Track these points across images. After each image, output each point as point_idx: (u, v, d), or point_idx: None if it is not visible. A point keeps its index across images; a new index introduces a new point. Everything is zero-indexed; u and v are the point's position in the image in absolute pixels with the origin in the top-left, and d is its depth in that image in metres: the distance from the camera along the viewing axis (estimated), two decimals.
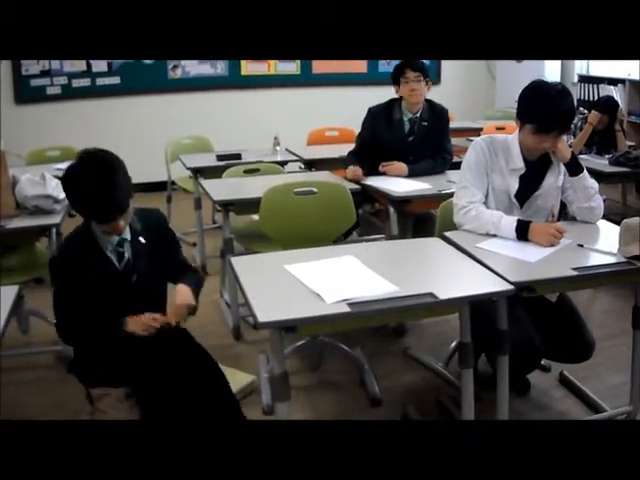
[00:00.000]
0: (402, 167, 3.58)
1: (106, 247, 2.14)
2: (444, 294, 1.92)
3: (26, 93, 6.04)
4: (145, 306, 2.15)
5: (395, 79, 3.63)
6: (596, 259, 2.22)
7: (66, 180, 2.03)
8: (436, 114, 3.71)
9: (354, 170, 3.52)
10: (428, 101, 3.72)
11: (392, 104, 3.69)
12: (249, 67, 6.76)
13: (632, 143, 4.74)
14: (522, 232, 2.35)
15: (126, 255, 2.16)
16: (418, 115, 3.66)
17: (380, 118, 3.67)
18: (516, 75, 6.50)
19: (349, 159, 3.66)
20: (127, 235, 2.17)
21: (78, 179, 1.99)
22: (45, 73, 6.09)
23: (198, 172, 4.17)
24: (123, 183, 2.01)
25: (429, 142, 3.65)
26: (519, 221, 2.39)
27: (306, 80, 6.95)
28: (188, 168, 4.22)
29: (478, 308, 2.15)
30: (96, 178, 1.95)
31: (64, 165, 4.18)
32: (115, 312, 2.10)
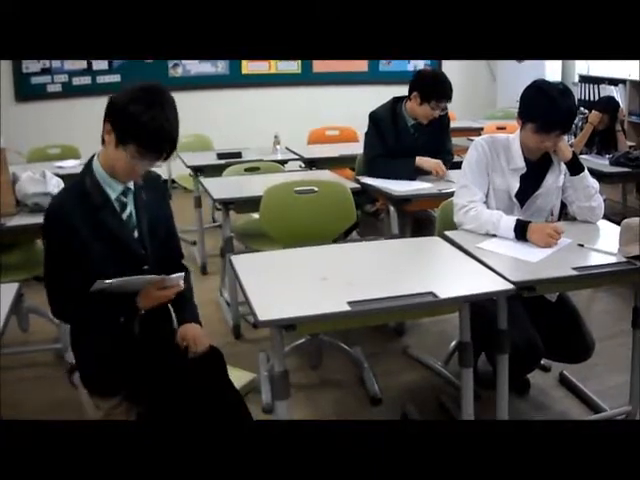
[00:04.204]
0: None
1: (110, 195, 1.96)
2: (444, 293, 1.92)
3: (27, 91, 6.04)
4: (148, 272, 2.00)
5: (423, 94, 3.47)
6: (596, 259, 2.22)
7: (131, 102, 1.83)
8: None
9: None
10: None
11: (394, 108, 3.61)
12: (250, 66, 6.76)
13: (632, 143, 4.74)
14: (521, 232, 2.35)
15: (129, 207, 2.01)
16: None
17: (384, 125, 3.59)
18: (517, 75, 6.51)
19: (388, 162, 3.53)
20: (131, 186, 2.01)
21: (155, 106, 1.84)
22: (46, 71, 6.09)
23: (198, 170, 4.17)
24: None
25: (431, 144, 3.62)
26: (518, 221, 2.39)
27: (307, 79, 6.95)
28: (188, 166, 4.22)
29: (478, 307, 2.15)
30: (165, 107, 1.86)
31: (65, 163, 4.21)
32: (119, 273, 1.89)
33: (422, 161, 3.53)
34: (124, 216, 2.00)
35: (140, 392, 1.94)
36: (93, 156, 2.00)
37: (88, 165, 1.99)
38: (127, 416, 1.97)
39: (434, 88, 3.47)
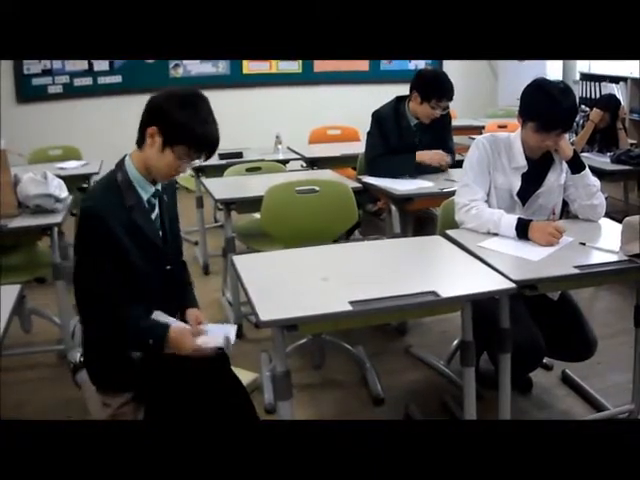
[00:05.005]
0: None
1: (142, 197, 1.98)
2: (446, 292, 1.92)
3: (28, 92, 6.05)
4: (171, 277, 2.07)
5: (423, 93, 3.47)
6: (598, 257, 2.22)
7: (179, 106, 1.94)
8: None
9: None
10: None
11: (397, 107, 3.60)
12: (251, 66, 6.77)
13: (634, 141, 4.74)
14: (522, 231, 2.35)
15: (156, 209, 2.04)
16: None
17: (387, 125, 3.58)
18: (518, 73, 6.50)
19: (388, 160, 3.55)
20: (159, 187, 2.05)
21: (202, 110, 1.99)
22: (47, 72, 6.09)
23: (200, 171, 4.16)
24: None
25: (433, 143, 3.62)
26: (519, 219, 2.38)
27: (308, 78, 6.95)
28: (189, 167, 4.21)
29: (480, 306, 2.14)
30: (209, 110, 2.03)
31: (66, 164, 4.21)
32: (150, 276, 1.97)
33: (422, 155, 3.53)
34: (153, 217, 2.03)
35: (149, 387, 1.94)
36: (124, 157, 2.00)
37: (120, 165, 1.99)
38: (135, 415, 1.97)
39: (434, 87, 3.47)
